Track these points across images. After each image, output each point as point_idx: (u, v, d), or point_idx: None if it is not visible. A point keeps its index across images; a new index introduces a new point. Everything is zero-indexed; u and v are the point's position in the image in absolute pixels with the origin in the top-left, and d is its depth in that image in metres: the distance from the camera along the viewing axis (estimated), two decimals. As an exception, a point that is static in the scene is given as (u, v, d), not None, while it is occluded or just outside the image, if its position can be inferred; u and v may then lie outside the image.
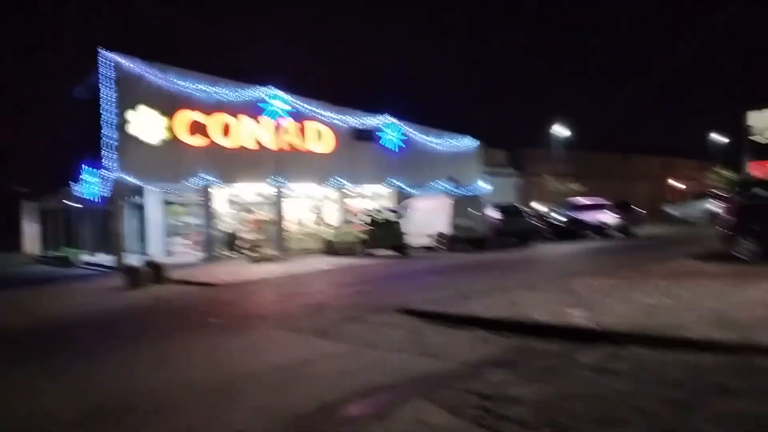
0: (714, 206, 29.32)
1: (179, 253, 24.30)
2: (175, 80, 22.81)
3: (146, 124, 22.07)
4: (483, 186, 32.35)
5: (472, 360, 5.76)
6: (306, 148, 26.24)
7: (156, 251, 23.47)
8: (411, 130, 30.31)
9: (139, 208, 24.70)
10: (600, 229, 25.03)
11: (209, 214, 23.82)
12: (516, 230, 22.39)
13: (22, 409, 5.27)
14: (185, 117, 22.90)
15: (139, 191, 23.55)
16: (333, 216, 27.27)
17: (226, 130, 23.92)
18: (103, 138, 21.39)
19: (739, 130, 39.29)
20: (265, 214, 26.00)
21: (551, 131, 38.06)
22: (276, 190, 25.06)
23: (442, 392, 4.82)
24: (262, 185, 24.99)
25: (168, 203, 24.84)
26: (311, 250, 23.77)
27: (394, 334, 7.17)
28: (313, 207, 28.39)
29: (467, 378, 5.17)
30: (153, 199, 24.24)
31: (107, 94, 21.46)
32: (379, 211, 23.05)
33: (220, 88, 23.85)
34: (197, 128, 23.18)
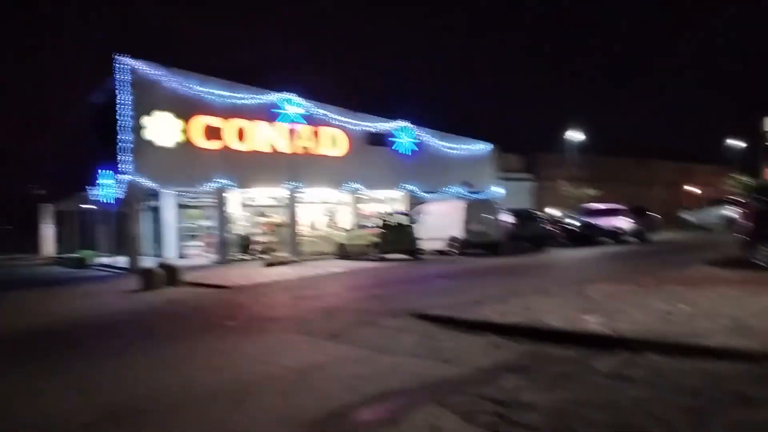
0: (731, 212, 28.97)
1: (193, 255, 24.50)
2: (190, 85, 23.01)
3: (162, 128, 22.28)
4: (497, 190, 32.25)
5: (485, 365, 5.72)
6: (320, 152, 26.33)
7: (170, 254, 23.68)
8: (424, 134, 30.30)
9: (155, 210, 24.95)
10: (615, 235, 24.83)
11: (223, 218, 23.98)
12: (530, 235, 22.26)
13: (35, 411, 5.30)
14: (201, 121, 23.10)
15: (154, 194, 23.80)
16: (346, 219, 27.33)
17: (241, 135, 24.09)
18: (120, 142, 21.63)
19: (756, 136, 38.81)
20: (279, 217, 26.12)
21: (566, 136, 37.88)
22: (290, 193, 25.16)
23: (456, 398, 4.78)
24: (276, 189, 25.11)
25: (183, 206, 25.07)
26: (324, 254, 23.82)
27: (408, 338, 7.15)
28: (326, 210, 28.48)
29: (481, 383, 5.13)
30: (168, 202, 24.48)
31: (123, 99, 21.70)
32: (391, 214, 23.05)
33: (236, 93, 24.03)
34: (212, 132, 23.36)
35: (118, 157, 21.70)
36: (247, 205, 26.29)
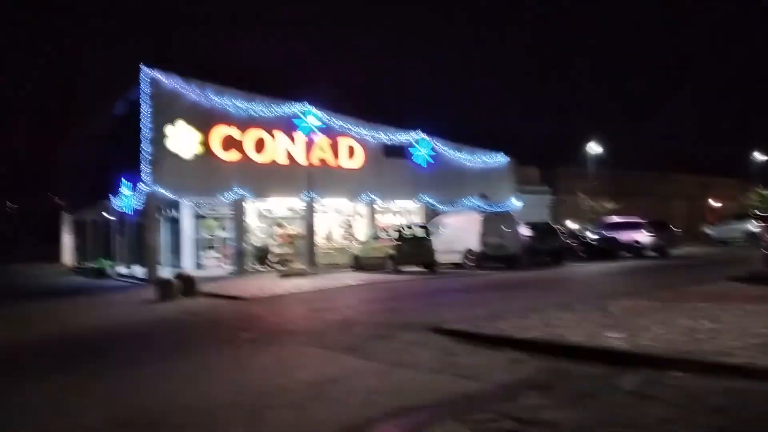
0: (754, 227, 28.48)
1: (210, 266, 24.61)
2: (211, 96, 23.24)
3: (182, 139, 22.50)
4: (514, 203, 32.04)
5: (505, 382, 5.60)
6: (337, 163, 26.39)
7: (188, 264, 23.82)
8: (441, 146, 30.25)
9: (173, 221, 25.15)
10: (635, 249, 24.51)
11: (241, 228, 24.07)
12: (548, 249, 22.05)
13: (53, 420, 5.30)
14: (219, 132, 23.29)
15: (173, 205, 23.99)
16: (362, 231, 27.30)
17: (259, 146, 24.22)
18: (140, 152, 21.87)
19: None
20: (295, 228, 26.17)
21: (585, 148, 37.60)
22: (306, 204, 25.21)
23: (475, 415, 4.68)
24: (294, 200, 25.18)
25: (201, 217, 25.25)
26: (340, 265, 23.80)
27: (425, 353, 7.05)
28: (342, 222, 28.49)
29: (501, 400, 5.02)
30: (186, 213, 24.67)
31: (145, 110, 21.97)
32: (408, 227, 22.98)
33: (254, 104, 24.21)
34: (231, 143, 23.53)
35: (138, 168, 21.95)
36: (264, 216, 26.40)
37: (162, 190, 21.98)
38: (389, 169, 27.80)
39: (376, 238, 23.14)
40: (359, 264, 22.43)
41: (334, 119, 26.33)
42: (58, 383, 6.67)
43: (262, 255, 24.91)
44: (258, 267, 24.22)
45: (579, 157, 38.08)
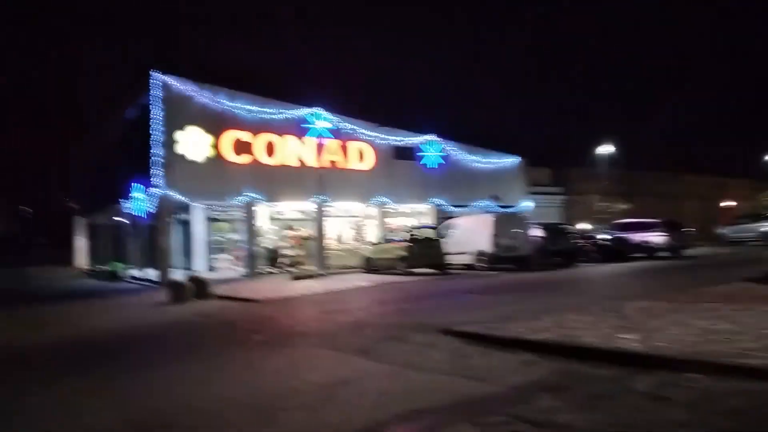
0: (769, 227, 28.15)
1: (222, 268, 24.70)
2: (220, 100, 23.35)
3: (193, 143, 22.62)
4: (526, 204, 31.91)
5: (518, 384, 5.56)
6: (348, 166, 26.41)
7: (200, 267, 23.93)
8: (452, 147, 30.19)
9: (185, 224, 25.27)
10: (648, 250, 24.30)
11: (252, 231, 24.15)
12: (560, 250, 21.91)
13: (66, 423, 5.32)
14: (230, 136, 23.39)
15: (185, 208, 24.11)
16: (373, 233, 27.29)
17: (269, 149, 24.30)
18: (152, 156, 22.01)
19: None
20: (306, 230, 26.22)
21: (597, 149, 37.37)
22: (317, 207, 25.26)
23: (489, 417, 4.64)
24: (304, 203, 25.23)
25: (212, 220, 25.36)
26: (351, 267, 23.79)
27: (437, 355, 7.02)
28: (353, 224, 28.50)
29: (514, 403, 4.98)
30: (198, 216, 24.80)
31: (156, 114, 22.11)
32: (419, 228, 22.93)
33: (265, 108, 24.29)
34: (242, 147, 23.63)
35: (150, 172, 22.09)
36: (275, 218, 26.47)
37: (174, 194, 22.10)
38: (399, 171, 27.79)
39: (387, 240, 23.12)
40: (370, 266, 22.42)
41: (344, 122, 26.36)
42: (71, 386, 6.71)
43: (273, 257, 24.97)
44: (269, 269, 24.27)
45: (590, 157, 37.85)
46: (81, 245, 39.72)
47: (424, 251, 20.65)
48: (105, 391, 6.37)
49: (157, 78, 22.34)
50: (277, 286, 17.57)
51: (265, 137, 24.21)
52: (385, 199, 27.23)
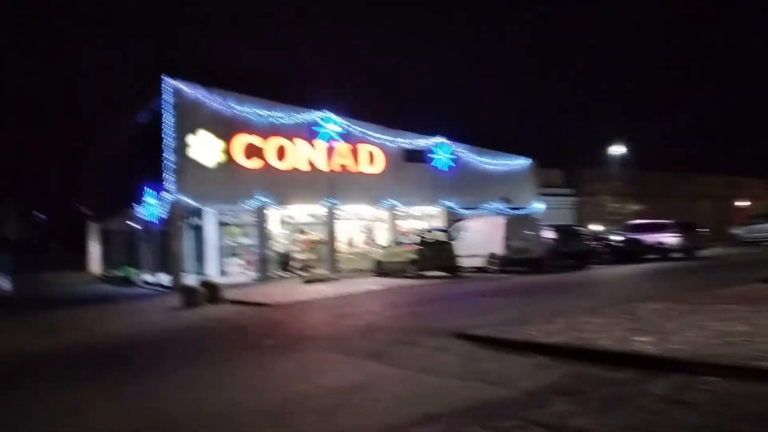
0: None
1: (234, 273, 24.77)
2: (231, 105, 23.45)
3: (204, 148, 22.72)
4: (537, 206, 31.76)
5: (531, 388, 5.51)
6: (358, 169, 26.42)
7: (211, 271, 24.02)
8: (462, 149, 30.12)
9: (197, 229, 25.39)
10: (662, 251, 24.07)
11: (263, 235, 24.21)
12: (573, 252, 21.75)
13: (78, 427, 5.34)
14: (241, 140, 23.48)
15: (196, 213, 24.22)
16: (383, 236, 27.27)
17: (280, 153, 24.37)
18: (163, 161, 22.15)
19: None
20: (317, 234, 26.25)
21: (608, 150, 37.11)
22: (328, 211, 25.28)
23: (502, 422, 4.60)
24: (315, 206, 25.26)
25: (224, 224, 25.45)
26: (362, 271, 23.77)
27: (450, 359, 6.98)
28: (363, 227, 28.49)
29: (528, 407, 4.93)
30: (210, 221, 24.90)
31: (167, 119, 22.25)
32: (429, 231, 22.86)
33: (275, 112, 24.36)
34: (253, 151, 23.70)
35: (162, 177, 22.22)
36: (286, 222, 26.52)
37: (186, 199, 22.21)
38: (410, 174, 27.74)
39: (398, 243, 23.07)
40: (381, 269, 22.37)
41: (353, 125, 26.38)
42: (83, 390, 6.74)
43: (284, 261, 25.01)
44: (281, 273, 24.31)
45: (602, 158, 37.58)
46: (94, 250, 40.03)
47: (434, 254, 20.58)
48: (117, 396, 6.39)
49: (168, 83, 22.48)
50: (288, 290, 17.59)
51: (276, 141, 24.27)
52: (395, 202, 27.21)
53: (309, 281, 20.22)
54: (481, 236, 21.74)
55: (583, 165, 39.76)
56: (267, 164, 24.00)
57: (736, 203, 46.48)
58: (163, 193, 22.41)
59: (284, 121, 24.53)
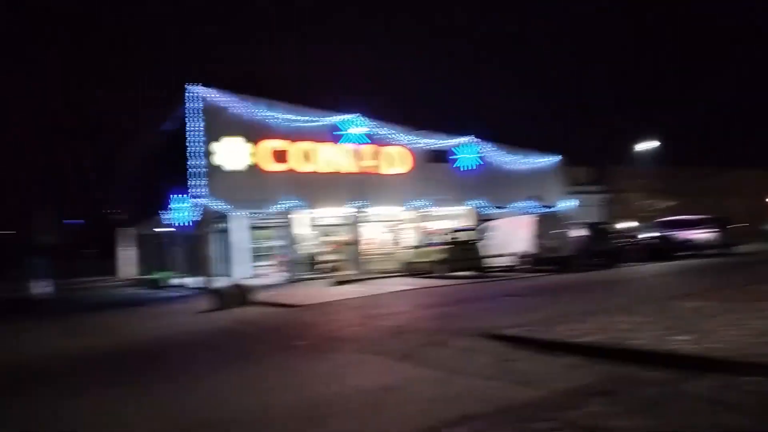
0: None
1: (263, 275, 24.99)
2: (257, 110, 23.71)
3: (231, 153, 23.03)
4: (567, 204, 31.39)
5: (566, 388, 5.43)
6: (384, 171, 26.46)
7: (241, 273, 24.25)
8: (489, 149, 29.94)
9: (226, 232, 25.69)
10: (695, 248, 23.58)
11: (292, 238, 24.40)
12: (603, 249, 21.42)
13: (108, 428, 5.43)
14: (268, 145, 23.73)
15: (225, 217, 24.53)
16: (411, 237, 27.24)
17: (306, 156, 24.54)
18: (192, 167, 22.48)
19: None
20: (345, 235, 26.34)
21: (638, 146, 36.48)
22: (355, 212, 25.36)
23: (538, 423, 4.55)
24: (342, 208, 25.37)
25: (253, 227, 25.71)
26: (389, 271, 23.79)
27: (481, 359, 6.93)
28: (391, 228, 28.50)
29: (563, 408, 4.87)
30: (238, 224, 25.16)
31: (195, 126, 22.60)
32: (457, 231, 22.76)
33: (301, 116, 24.55)
34: (279, 155, 23.94)
35: (191, 182, 22.56)
36: (314, 224, 26.68)
37: (215, 203, 22.53)
38: (436, 174, 27.68)
39: (426, 244, 23.00)
40: (409, 269, 22.36)
41: (379, 127, 26.42)
42: (116, 392, 6.87)
43: (313, 263, 25.16)
44: (310, 275, 24.45)
45: (631, 154, 36.95)
46: (126, 255, 40.80)
47: (463, 254, 20.50)
48: (148, 397, 6.49)
49: (194, 91, 22.84)
50: (317, 292, 17.69)
51: (302, 145, 24.47)
52: (422, 203, 27.16)
53: (338, 282, 20.30)
54: (510, 235, 21.58)
55: (613, 161, 39.16)
56: (293, 168, 24.20)
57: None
58: (193, 198, 22.75)
59: (310, 125, 24.72)
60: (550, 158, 32.31)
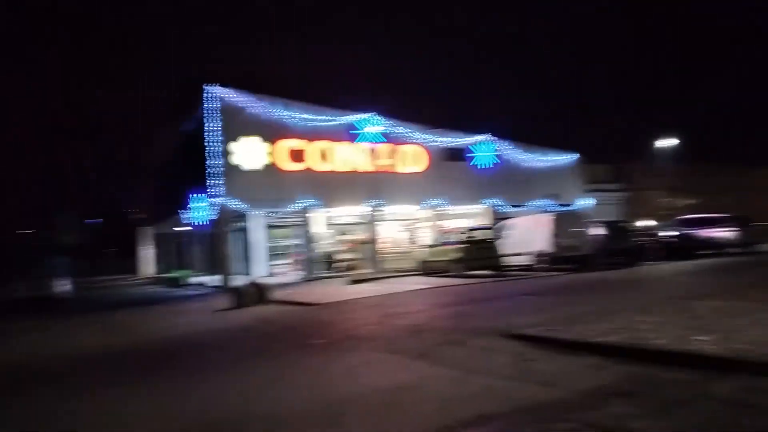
0: None
1: (280, 273, 25.12)
2: (274, 109, 23.80)
3: (249, 152, 23.16)
4: (585, 202, 31.10)
5: (587, 389, 5.35)
6: (400, 169, 26.42)
7: (259, 272, 24.40)
8: (506, 147, 29.75)
9: (244, 231, 25.87)
10: (716, 246, 23.22)
11: (308, 236, 24.48)
12: (623, 248, 21.13)
13: (132, 427, 5.46)
14: (285, 144, 23.82)
15: (243, 216, 24.69)
16: (427, 236, 27.17)
17: (323, 156, 24.59)
18: (210, 167, 22.64)
19: None
20: (361, 234, 26.35)
21: (657, 143, 36.01)
22: (371, 211, 25.36)
23: (558, 424, 4.48)
24: (359, 207, 25.38)
25: (270, 226, 25.86)
26: (406, 270, 23.74)
27: (499, 359, 6.86)
28: (407, 227, 28.46)
29: (584, 409, 4.79)
30: (256, 223, 25.34)
31: (212, 126, 22.76)
32: (473, 229, 22.63)
33: (317, 115, 24.60)
34: (296, 154, 24.02)
35: (209, 182, 22.72)
36: (330, 223, 26.74)
37: (233, 202, 22.67)
38: (453, 172, 27.57)
39: (442, 242, 22.90)
40: (425, 268, 22.28)
41: (395, 126, 26.38)
42: (133, 389, 6.92)
43: (330, 261, 25.22)
44: (326, 273, 24.51)
45: (651, 152, 36.47)
46: (146, 254, 41.25)
47: (480, 253, 20.36)
48: (165, 395, 6.52)
49: (212, 91, 22.99)
50: (334, 290, 17.70)
51: (319, 144, 24.52)
52: (438, 201, 27.07)
53: (354, 281, 20.29)
54: (528, 234, 21.40)
55: (632, 159, 38.71)
56: (310, 167, 24.27)
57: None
58: (211, 198, 22.90)
59: (326, 124, 24.75)
60: (568, 156, 32.00)
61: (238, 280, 20.01)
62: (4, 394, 7.28)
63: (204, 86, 23.10)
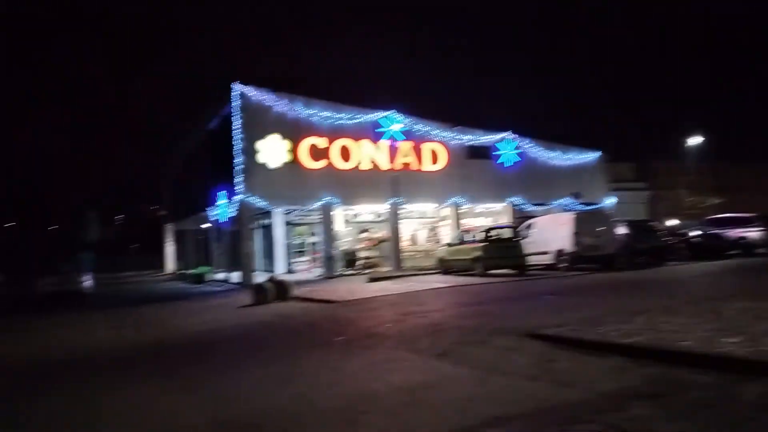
0: None
1: (301, 270, 25.29)
2: (297, 108, 23.93)
3: (272, 151, 23.34)
4: (609, 201, 30.73)
5: (610, 390, 5.27)
6: (422, 167, 26.37)
7: (280, 269, 24.60)
8: (528, 144, 29.51)
9: (266, 228, 26.08)
10: (745, 246, 22.76)
11: (329, 234, 24.56)
12: (648, 248, 20.82)
13: (156, 421, 5.53)
14: (307, 142, 23.93)
15: (265, 213, 24.88)
16: (448, 234, 27.09)
17: (344, 153, 24.65)
18: (233, 165, 22.85)
19: None
20: (382, 232, 26.37)
21: (685, 141, 35.40)
22: (392, 209, 25.35)
23: (581, 425, 4.42)
24: (380, 205, 25.40)
25: (291, 224, 26.03)
26: (426, 269, 23.69)
27: (521, 359, 6.79)
28: (428, 225, 28.41)
29: (607, 410, 4.72)
30: (278, 221, 25.53)
31: (239, 124, 22.96)
32: (496, 228, 22.47)
33: (339, 113, 24.66)
34: (318, 152, 24.11)
35: (233, 179, 22.94)
36: (351, 221, 26.80)
37: (255, 200, 22.86)
38: (474, 170, 27.44)
39: (463, 241, 22.79)
40: (446, 267, 22.19)
41: (416, 124, 26.33)
42: (155, 384, 7.02)
43: (349, 259, 25.29)
44: (346, 271, 24.58)
45: (677, 150, 35.88)
46: (169, 251, 41.79)
47: (501, 252, 20.20)
48: (187, 391, 6.60)
49: (237, 90, 23.19)
50: (354, 288, 17.72)
51: (340, 142, 24.59)
52: (459, 200, 26.95)
53: (374, 279, 20.30)
54: (550, 233, 21.17)
55: (657, 157, 38.11)
56: (332, 164, 24.35)
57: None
58: (234, 196, 23.12)
59: (348, 122, 24.81)
60: (592, 154, 31.63)
61: (260, 277, 20.17)
62: (50, 388, 7.40)
63: (231, 84, 23.31)
